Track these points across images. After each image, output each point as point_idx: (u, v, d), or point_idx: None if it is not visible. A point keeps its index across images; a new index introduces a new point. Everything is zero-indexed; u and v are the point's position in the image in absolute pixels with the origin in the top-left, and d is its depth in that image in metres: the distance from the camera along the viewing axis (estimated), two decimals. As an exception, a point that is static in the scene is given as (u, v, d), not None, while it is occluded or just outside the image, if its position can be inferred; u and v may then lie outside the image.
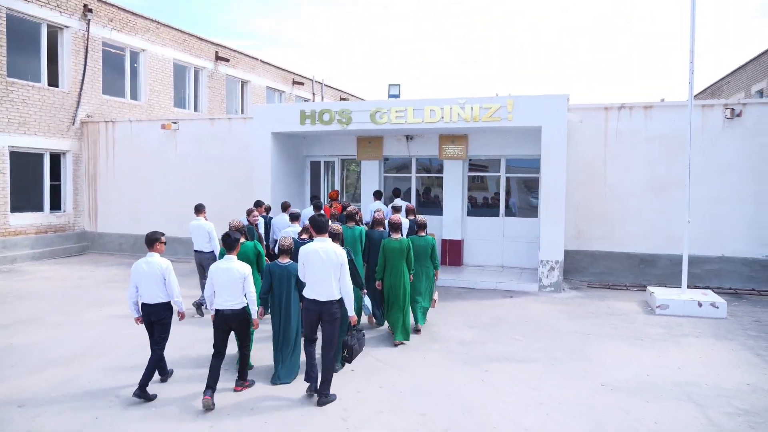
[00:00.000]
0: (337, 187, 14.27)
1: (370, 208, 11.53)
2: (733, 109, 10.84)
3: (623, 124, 11.56)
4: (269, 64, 23.64)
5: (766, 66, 17.89)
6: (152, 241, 5.87)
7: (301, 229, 8.54)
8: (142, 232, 15.08)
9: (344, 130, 12.03)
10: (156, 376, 6.01)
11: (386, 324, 8.14)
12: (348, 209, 8.31)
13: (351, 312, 5.78)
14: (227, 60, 20.82)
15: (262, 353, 6.90)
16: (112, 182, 15.79)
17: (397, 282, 7.60)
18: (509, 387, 6.02)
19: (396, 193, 12.51)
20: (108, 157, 15.78)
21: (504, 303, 9.92)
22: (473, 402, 5.64)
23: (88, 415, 5.32)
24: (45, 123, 14.72)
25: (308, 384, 5.82)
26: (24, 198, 14.50)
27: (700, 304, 8.97)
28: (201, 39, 19.77)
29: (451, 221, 13.06)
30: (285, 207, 10.11)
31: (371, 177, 13.73)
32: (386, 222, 8.41)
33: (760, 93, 18.29)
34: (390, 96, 12.24)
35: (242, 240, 6.98)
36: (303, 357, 6.46)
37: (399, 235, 7.72)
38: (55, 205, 15.42)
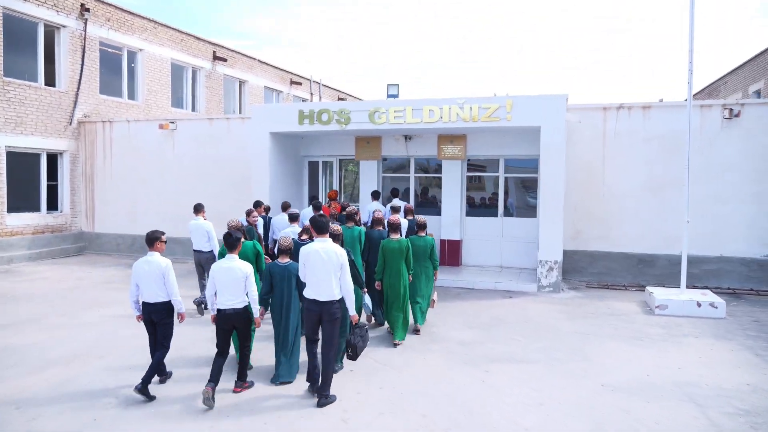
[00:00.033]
0: (336, 187, 14.26)
1: (368, 208, 11.51)
2: (731, 110, 10.86)
3: (622, 124, 11.57)
4: (267, 64, 23.60)
5: (764, 66, 17.93)
6: (153, 240, 5.88)
7: (300, 229, 8.55)
8: (140, 233, 15.10)
9: (343, 130, 12.01)
10: (153, 379, 5.99)
11: (386, 324, 8.13)
12: (347, 210, 8.29)
13: (352, 311, 5.80)
14: (225, 60, 20.77)
15: (262, 353, 6.88)
16: (109, 182, 15.74)
17: (397, 282, 7.60)
18: (509, 387, 6.01)
19: (394, 193, 12.50)
20: (105, 157, 15.73)
21: (503, 303, 9.91)
22: (474, 403, 5.63)
23: (87, 415, 5.29)
24: (42, 123, 14.67)
25: (309, 384, 5.84)
26: (21, 198, 14.44)
27: (699, 304, 8.98)
28: (198, 39, 19.73)
29: (449, 221, 13.05)
30: (285, 207, 10.08)
31: (370, 177, 13.71)
32: (386, 222, 8.39)
33: (758, 93, 18.33)
34: (389, 96, 12.23)
35: (242, 240, 6.97)
36: (304, 357, 6.47)
37: (398, 236, 7.71)
38: (52, 205, 15.37)
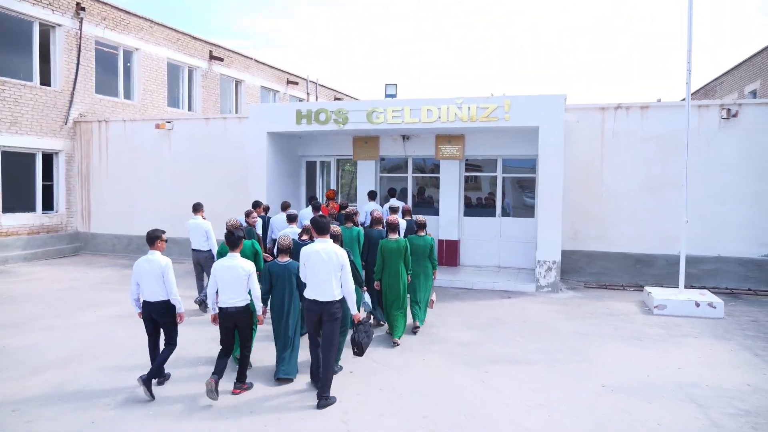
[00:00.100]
0: (333, 186, 14.21)
1: (364, 208, 11.48)
2: (729, 110, 10.87)
3: (620, 124, 11.57)
4: (263, 64, 23.53)
5: (760, 67, 18.00)
6: (153, 239, 5.89)
7: (298, 229, 8.51)
8: (136, 233, 15.04)
9: (340, 130, 11.97)
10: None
11: (385, 324, 8.11)
12: (346, 210, 8.27)
13: (354, 311, 5.82)
14: (221, 59, 20.70)
15: (263, 353, 6.86)
16: (105, 182, 15.65)
17: (395, 282, 7.59)
18: (510, 388, 5.99)
19: (392, 193, 12.47)
20: (101, 156, 15.64)
21: (502, 303, 9.89)
22: (474, 403, 5.61)
23: (85, 417, 5.24)
24: (37, 122, 14.57)
25: (312, 381, 5.88)
26: (16, 198, 14.33)
27: (697, 304, 8.98)
28: (195, 38, 19.65)
29: (447, 221, 13.02)
30: (284, 207, 10.04)
31: (367, 177, 13.67)
32: (384, 221, 8.37)
33: (754, 93, 18.40)
34: (387, 96, 12.19)
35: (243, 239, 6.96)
36: (303, 356, 6.47)
37: (396, 236, 7.70)
38: (48, 205, 15.26)
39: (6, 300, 9.97)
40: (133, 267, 6.00)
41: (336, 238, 6.11)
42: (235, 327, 5.75)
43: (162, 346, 6.02)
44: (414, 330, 7.97)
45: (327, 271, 5.54)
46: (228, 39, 75.58)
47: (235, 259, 5.71)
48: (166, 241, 6.02)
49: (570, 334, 7.98)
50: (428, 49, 76.56)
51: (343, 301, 5.74)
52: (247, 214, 8.91)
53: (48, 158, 15.25)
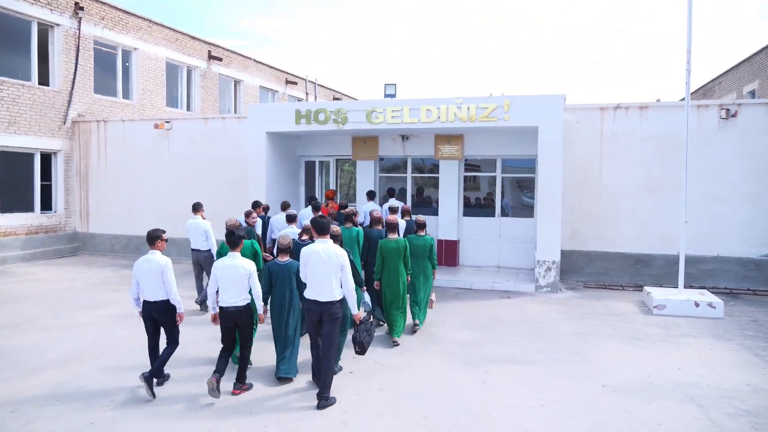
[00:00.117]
0: (333, 186, 14.20)
1: (363, 208, 11.46)
2: (728, 110, 10.88)
3: (619, 124, 11.57)
4: (262, 64, 23.51)
5: (759, 67, 18.02)
6: (154, 238, 5.90)
7: (297, 229, 8.50)
8: (135, 233, 15.01)
9: (339, 130, 11.95)
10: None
11: (384, 324, 8.10)
12: (346, 210, 8.26)
13: (355, 310, 5.84)
14: (220, 59, 20.67)
15: (262, 353, 6.85)
16: (103, 182, 15.62)
17: (395, 282, 7.60)
18: (510, 388, 5.98)
19: (391, 193, 12.46)
20: (100, 156, 15.61)
21: (501, 303, 9.89)
22: (474, 404, 5.60)
23: (84, 418, 5.22)
24: (35, 122, 14.53)
25: (314, 382, 5.91)
26: (14, 198, 14.30)
27: (697, 304, 8.98)
28: (193, 38, 19.62)
29: (447, 221, 13.02)
30: (284, 207, 10.03)
31: (366, 177, 13.66)
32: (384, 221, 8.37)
33: (752, 94, 18.42)
34: (386, 96, 12.17)
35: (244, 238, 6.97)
36: (303, 356, 6.50)
37: (395, 235, 7.70)
38: (46, 205, 15.22)
39: (5, 300, 9.95)
40: (132, 267, 6.01)
41: (335, 239, 6.11)
42: (236, 326, 5.76)
43: (162, 347, 6.01)
44: (413, 329, 7.97)
45: (327, 272, 5.54)
46: (227, 39, 75.58)
47: (235, 258, 5.73)
48: (166, 240, 6.03)
49: (569, 334, 7.98)
50: (428, 49, 76.65)
51: (343, 301, 5.74)
52: (247, 215, 8.90)
53: (46, 158, 15.22)
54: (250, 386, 5.89)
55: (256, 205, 10.12)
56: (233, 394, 5.74)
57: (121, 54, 16.96)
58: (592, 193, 11.75)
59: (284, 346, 6.12)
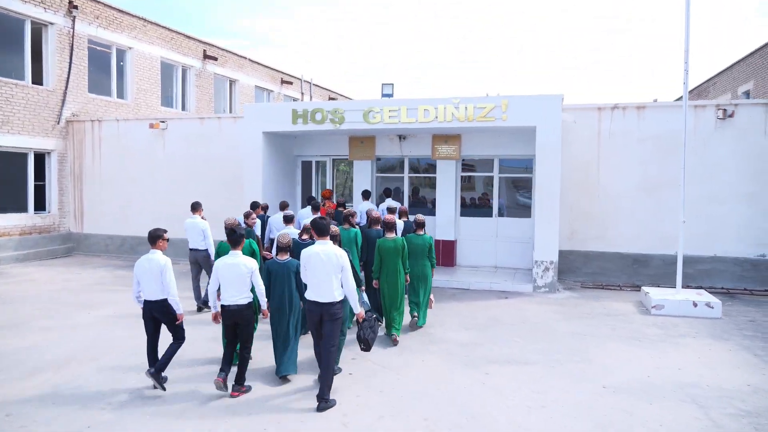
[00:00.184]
0: (329, 186, 14.14)
1: (359, 208, 11.41)
2: (725, 110, 10.90)
3: (616, 124, 11.57)
4: (258, 63, 23.43)
5: (753, 67, 18.08)
6: (155, 238, 5.89)
7: (294, 230, 8.47)
8: (129, 233, 14.91)
9: (336, 130, 11.90)
10: (149, 382, 5.91)
11: (383, 323, 8.07)
12: (345, 211, 8.21)
13: (357, 309, 5.83)
14: (215, 59, 20.58)
15: (262, 353, 6.80)
16: (98, 182, 15.50)
17: (394, 281, 7.60)
18: (510, 389, 5.95)
19: (387, 193, 12.42)
20: (94, 156, 15.49)
21: (499, 304, 9.86)
22: (475, 405, 5.57)
23: (81, 421, 5.15)
24: (29, 122, 14.41)
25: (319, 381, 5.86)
26: (7, 198, 14.18)
27: (695, 304, 8.99)
28: (189, 37, 19.52)
29: (444, 221, 12.99)
30: (282, 207, 9.99)
31: (363, 177, 13.61)
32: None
33: (747, 94, 18.48)
34: (383, 95, 12.13)
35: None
36: (303, 355, 6.50)
37: (393, 235, 7.69)
38: (40, 205, 15.10)
39: (-2, 301, 9.85)
40: (126, 267, 5.98)
41: (334, 238, 6.10)
42: (236, 325, 5.76)
43: (161, 347, 5.99)
44: (411, 323, 8.03)
45: (327, 273, 5.53)
46: (227, 39, 75.40)
47: (237, 257, 5.75)
48: (167, 240, 6.02)
49: (568, 335, 7.96)
50: (428, 49, 76.70)
51: (344, 302, 5.72)
52: (246, 215, 8.85)
53: (40, 158, 15.09)
54: (249, 388, 5.84)
55: (255, 206, 10.07)
56: (232, 396, 5.69)
57: (116, 53, 16.84)
58: (590, 193, 11.74)
59: (284, 344, 6.10)
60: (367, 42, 79.34)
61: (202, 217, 9.40)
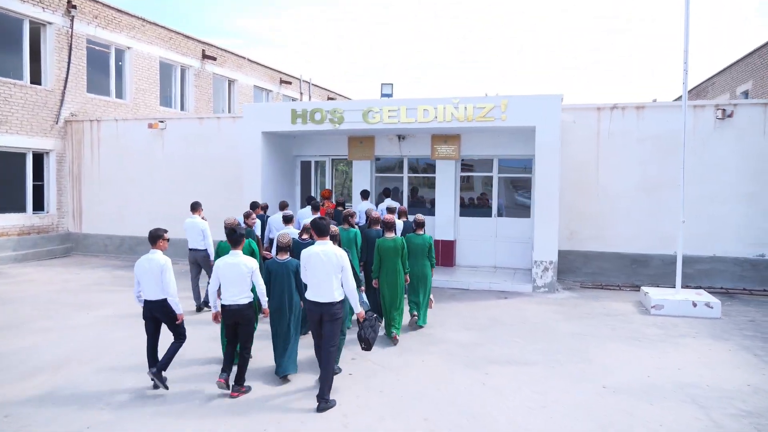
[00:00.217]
0: (329, 186, 14.13)
1: (358, 208, 11.41)
2: (724, 110, 10.90)
3: (615, 124, 11.57)
4: (256, 63, 23.40)
5: (752, 67, 18.10)
6: (155, 238, 5.89)
7: (294, 230, 8.45)
8: (128, 233, 14.89)
9: (336, 130, 11.89)
10: (149, 382, 5.91)
11: (382, 323, 8.07)
12: (344, 212, 8.20)
13: (358, 309, 5.83)
14: (214, 58, 20.55)
15: (263, 353, 6.79)
16: (96, 182, 15.47)
17: (393, 280, 7.60)
18: (511, 390, 5.94)
19: (386, 193, 12.41)
20: (93, 156, 15.46)
21: (499, 304, 9.86)
22: (475, 405, 5.56)
23: (80, 422, 5.13)
24: (27, 122, 14.37)
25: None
26: (6, 198, 14.14)
27: (694, 304, 8.98)
28: (187, 37, 19.49)
29: (443, 221, 12.98)
30: (282, 207, 9.98)
31: (363, 177, 13.60)
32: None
33: (746, 94, 18.50)
34: (383, 95, 12.11)
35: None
36: (303, 354, 6.50)
37: (393, 234, 7.68)
38: (38, 205, 15.06)
39: (-3, 302, 9.82)
40: (126, 268, 5.98)
41: (334, 238, 6.10)
42: (237, 324, 5.75)
43: (161, 348, 5.97)
44: (411, 323, 8.05)
45: (327, 273, 5.53)
46: (226, 39, 75.36)
47: (237, 256, 5.76)
48: (168, 240, 6.01)
49: (568, 335, 7.95)
50: (428, 49, 76.71)
51: (344, 302, 5.72)
52: (246, 216, 8.84)
53: (38, 158, 15.05)
54: (249, 389, 5.83)
55: (254, 206, 10.05)
56: (231, 396, 5.68)
57: (115, 53, 16.81)
58: (589, 193, 11.74)
59: (284, 344, 6.10)
60: (367, 42, 79.41)
61: (203, 218, 9.39)
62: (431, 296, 8.32)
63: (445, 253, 12.89)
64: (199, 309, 9.06)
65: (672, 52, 66.24)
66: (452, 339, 7.72)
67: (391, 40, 79.04)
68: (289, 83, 25.65)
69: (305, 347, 6.65)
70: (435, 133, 12.68)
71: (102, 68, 16.53)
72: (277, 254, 6.11)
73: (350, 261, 6.20)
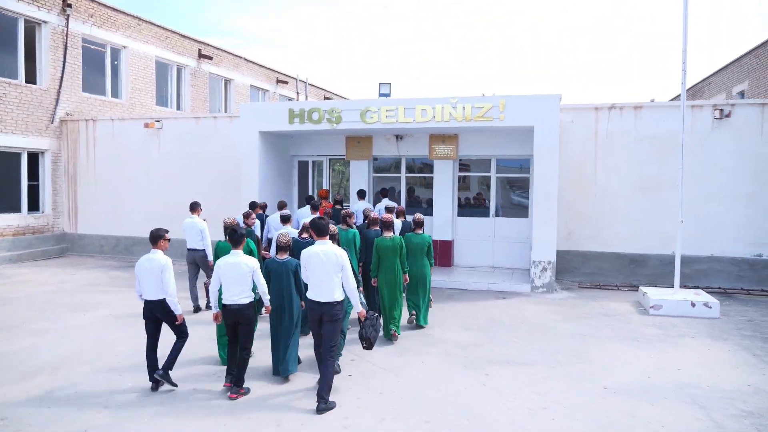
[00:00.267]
0: (326, 186, 14.09)
1: (355, 208, 11.37)
2: (722, 110, 10.91)
3: (613, 124, 11.57)
4: (253, 63, 23.33)
5: (748, 68, 18.15)
6: (156, 238, 5.88)
7: (292, 229, 8.41)
8: (124, 233, 14.81)
9: (333, 130, 11.85)
10: (147, 383, 5.86)
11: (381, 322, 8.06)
12: (343, 212, 8.17)
13: (358, 308, 5.83)
14: (210, 58, 20.46)
15: (263, 353, 6.74)
16: (92, 182, 15.37)
17: (392, 279, 7.59)
18: (511, 391, 5.92)
19: (384, 193, 12.38)
20: (88, 156, 15.37)
21: (497, 304, 9.84)
22: (476, 406, 5.53)
23: (77, 424, 5.08)
24: (22, 121, 14.27)
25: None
26: (0, 199, 14.03)
27: (693, 304, 8.99)
28: (183, 36, 19.40)
29: (441, 222, 12.95)
30: (280, 206, 9.94)
31: (360, 177, 13.56)
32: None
33: (742, 94, 18.55)
34: (380, 95, 12.07)
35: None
36: (303, 354, 6.50)
37: (391, 233, 7.67)
38: (33, 205, 14.96)
39: (-8, 303, 9.74)
40: (122, 268, 5.95)
41: (333, 238, 6.08)
42: (237, 324, 5.74)
43: (161, 348, 5.94)
44: (409, 320, 8.10)
45: (327, 272, 5.52)
46: (226, 39, 75.22)
47: (238, 256, 5.75)
48: (169, 240, 5.99)
49: (568, 335, 7.94)
50: (428, 49, 76.70)
51: (344, 302, 5.70)
52: (246, 216, 8.79)
53: (33, 158, 14.95)
54: (248, 391, 5.78)
55: (253, 205, 10.01)
56: (230, 398, 5.63)
57: (110, 52, 16.72)
58: (587, 193, 11.74)
59: (284, 343, 6.07)
60: (367, 42, 79.35)
61: (203, 219, 9.33)
62: (431, 296, 8.29)
63: (443, 253, 12.87)
64: (196, 310, 9.00)
65: (672, 52, 66.50)
66: (451, 339, 7.70)
67: (390, 40, 79.07)
68: (286, 83, 25.58)
69: (305, 347, 6.62)
70: (433, 133, 12.65)
71: (97, 67, 16.44)
72: (276, 254, 6.10)
73: (350, 261, 6.18)
